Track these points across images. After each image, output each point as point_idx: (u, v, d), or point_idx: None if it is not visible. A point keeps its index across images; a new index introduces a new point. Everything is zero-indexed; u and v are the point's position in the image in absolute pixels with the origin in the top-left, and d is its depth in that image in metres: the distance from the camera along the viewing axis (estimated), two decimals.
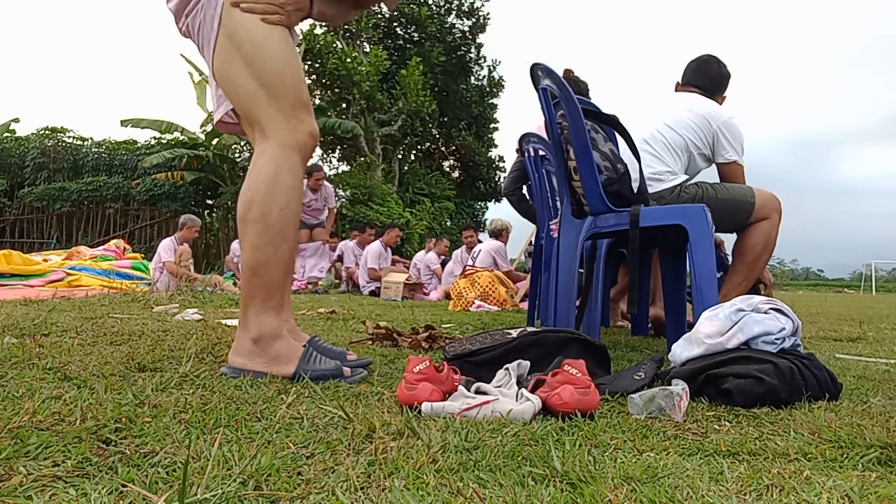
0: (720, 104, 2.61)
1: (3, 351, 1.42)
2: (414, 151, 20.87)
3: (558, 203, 2.49)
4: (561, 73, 1.99)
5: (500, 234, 6.60)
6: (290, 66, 1.40)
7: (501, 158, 21.73)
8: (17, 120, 15.97)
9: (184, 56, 12.85)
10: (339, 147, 17.68)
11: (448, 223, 18.36)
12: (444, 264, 7.73)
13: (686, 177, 2.37)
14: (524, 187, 4.30)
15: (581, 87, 3.37)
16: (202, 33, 1.40)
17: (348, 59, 15.45)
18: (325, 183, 7.11)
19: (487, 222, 10.55)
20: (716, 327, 1.36)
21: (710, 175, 2.54)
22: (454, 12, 20.01)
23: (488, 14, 20.11)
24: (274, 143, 1.38)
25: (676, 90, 2.68)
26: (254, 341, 1.35)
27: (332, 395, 1.17)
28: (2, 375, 1.18)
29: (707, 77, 2.62)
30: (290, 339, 1.39)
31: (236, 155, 14.06)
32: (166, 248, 6.27)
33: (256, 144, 1.42)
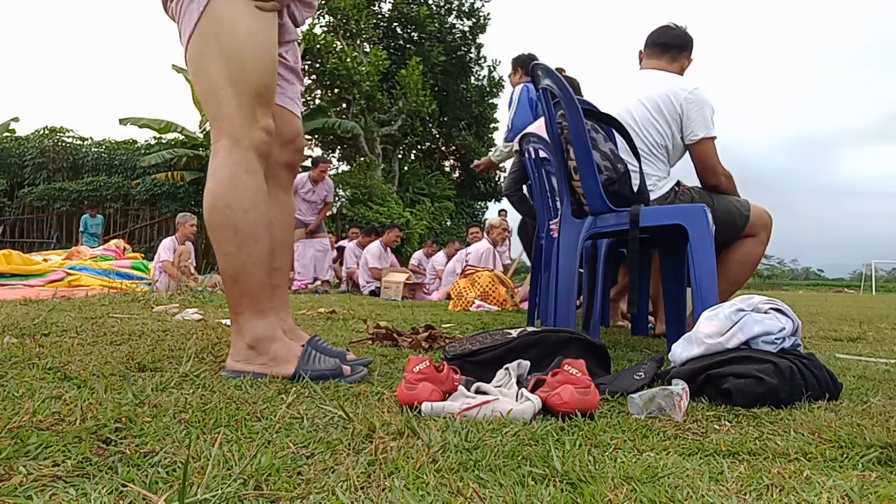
0: (685, 67, 2.49)
1: (3, 351, 1.42)
2: (414, 151, 20.89)
3: (558, 203, 2.49)
4: None
5: (490, 232, 6.64)
6: (264, 61, 1.34)
7: None
8: (17, 119, 16.01)
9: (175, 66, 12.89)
10: (339, 147, 17.70)
11: (448, 223, 18.38)
12: None
13: (676, 178, 2.34)
14: (524, 187, 4.29)
15: (573, 86, 3.36)
16: (186, 19, 1.35)
17: (348, 59, 15.45)
18: (327, 178, 7.07)
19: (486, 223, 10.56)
20: (716, 327, 1.36)
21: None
22: (454, 12, 20.03)
23: (488, 14, 20.16)
24: (227, 142, 1.33)
25: (640, 60, 2.56)
26: (250, 347, 1.33)
27: (332, 395, 1.17)
28: (2, 375, 1.18)
29: (671, 36, 2.50)
30: (287, 340, 1.38)
31: None
32: (166, 248, 6.28)
33: (212, 143, 1.36)
